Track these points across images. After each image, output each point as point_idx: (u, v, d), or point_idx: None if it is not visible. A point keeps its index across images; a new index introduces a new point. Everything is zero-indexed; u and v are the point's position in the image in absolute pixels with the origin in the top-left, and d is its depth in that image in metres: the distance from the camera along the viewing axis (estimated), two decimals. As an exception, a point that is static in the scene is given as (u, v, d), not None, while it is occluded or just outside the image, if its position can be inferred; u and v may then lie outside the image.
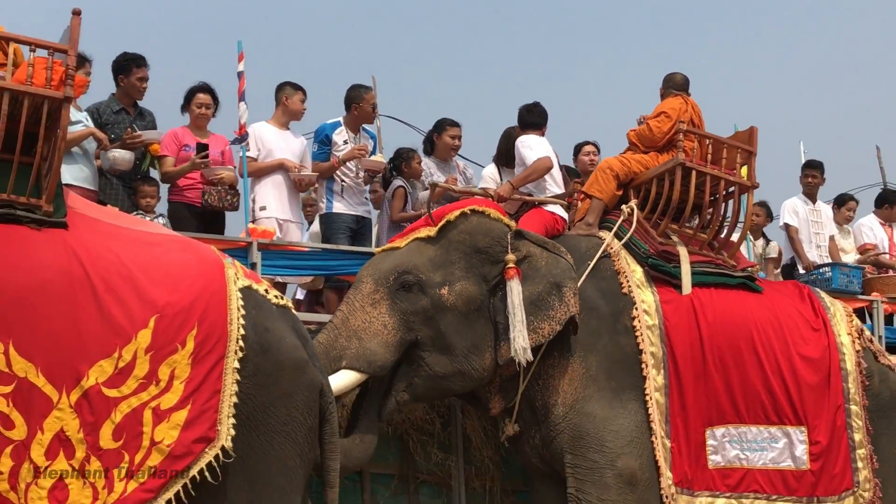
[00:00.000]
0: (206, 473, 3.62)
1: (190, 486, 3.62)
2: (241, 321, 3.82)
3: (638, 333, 4.98)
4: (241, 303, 3.85)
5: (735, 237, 5.65)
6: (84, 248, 3.82)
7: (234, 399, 3.70)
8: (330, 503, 4.14)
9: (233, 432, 3.66)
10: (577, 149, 6.92)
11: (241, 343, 3.78)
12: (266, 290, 4.10)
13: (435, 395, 5.30)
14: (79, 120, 5.51)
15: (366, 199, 6.47)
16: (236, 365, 3.76)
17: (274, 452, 3.88)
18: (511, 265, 4.88)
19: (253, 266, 5.33)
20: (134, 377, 3.66)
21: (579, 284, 4.94)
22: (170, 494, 3.58)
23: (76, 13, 3.78)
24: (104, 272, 3.80)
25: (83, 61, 5.24)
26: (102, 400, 3.61)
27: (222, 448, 3.61)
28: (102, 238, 3.96)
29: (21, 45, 3.92)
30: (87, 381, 3.61)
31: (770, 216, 7.43)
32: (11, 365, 3.51)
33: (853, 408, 5.25)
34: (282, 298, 4.23)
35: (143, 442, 3.66)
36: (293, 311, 4.32)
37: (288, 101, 6.16)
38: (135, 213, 5.55)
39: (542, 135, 5.87)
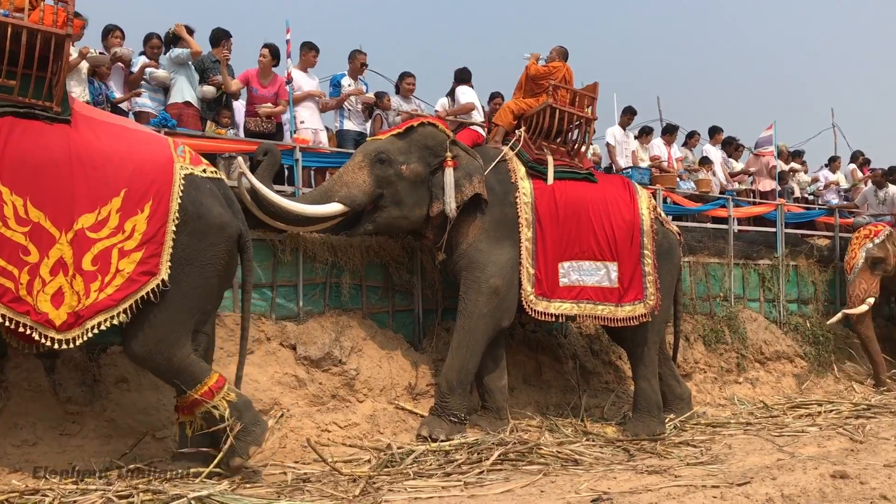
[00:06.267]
0: (152, 295, 4.36)
1: (153, 294, 4.35)
2: (180, 200, 4.48)
3: (518, 206, 6.49)
4: (182, 186, 4.53)
5: (583, 150, 7.27)
6: (81, 137, 4.35)
7: (171, 250, 4.41)
8: (245, 302, 5.09)
9: (169, 271, 4.40)
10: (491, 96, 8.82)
11: (177, 214, 4.45)
12: (203, 170, 4.75)
13: (387, 231, 6.57)
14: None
15: (363, 121, 8.18)
16: (174, 228, 4.44)
17: (205, 274, 4.69)
18: (449, 159, 6.36)
19: (296, 161, 6.82)
20: (108, 227, 4.28)
21: (485, 174, 6.45)
22: (126, 305, 4.31)
23: None
24: (93, 155, 4.32)
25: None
26: (87, 239, 4.23)
27: (162, 280, 4.44)
28: (95, 132, 4.46)
29: None
30: (77, 226, 4.19)
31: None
32: (28, 213, 4.09)
33: (646, 252, 6.93)
34: (216, 173, 4.89)
35: (111, 269, 4.27)
36: (225, 180, 5.04)
37: (306, 55, 7.89)
38: (215, 125, 7.02)
39: (471, 86, 7.74)
